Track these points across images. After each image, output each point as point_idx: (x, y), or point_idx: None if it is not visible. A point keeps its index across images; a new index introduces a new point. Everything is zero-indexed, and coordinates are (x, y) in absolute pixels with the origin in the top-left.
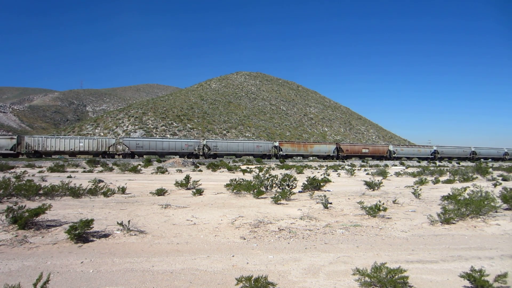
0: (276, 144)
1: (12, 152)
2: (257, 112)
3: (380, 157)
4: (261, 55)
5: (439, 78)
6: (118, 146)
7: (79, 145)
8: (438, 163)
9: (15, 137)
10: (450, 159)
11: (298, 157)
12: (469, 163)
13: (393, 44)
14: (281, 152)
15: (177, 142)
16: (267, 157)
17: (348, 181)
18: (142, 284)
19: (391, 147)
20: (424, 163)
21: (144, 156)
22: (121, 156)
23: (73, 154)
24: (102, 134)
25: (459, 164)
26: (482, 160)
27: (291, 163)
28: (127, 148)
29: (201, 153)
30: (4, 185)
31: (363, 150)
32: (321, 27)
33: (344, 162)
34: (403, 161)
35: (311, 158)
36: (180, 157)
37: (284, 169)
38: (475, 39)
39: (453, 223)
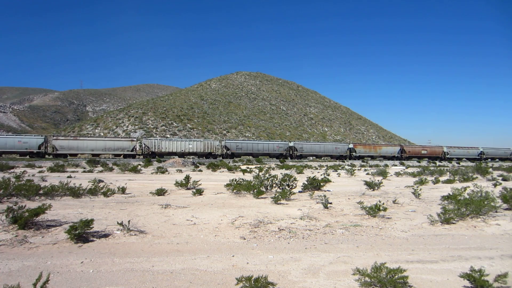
0: (351, 146)
1: (132, 153)
2: (257, 112)
3: (436, 158)
4: (261, 55)
5: (439, 78)
6: (218, 147)
7: (189, 146)
8: (483, 163)
9: (135, 139)
10: (492, 159)
11: (369, 158)
12: (509, 163)
13: (393, 44)
14: (354, 153)
15: (270, 144)
16: (343, 157)
17: (348, 181)
18: (142, 284)
19: (445, 149)
20: (474, 163)
21: (242, 156)
22: (221, 156)
23: (182, 155)
24: (102, 134)
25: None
26: None
27: (291, 163)
28: (226, 149)
29: (288, 154)
30: (4, 185)
31: (422, 152)
32: (321, 27)
33: (406, 161)
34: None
35: (379, 158)
36: (270, 157)
37: (284, 169)
38: (475, 39)
39: (453, 223)
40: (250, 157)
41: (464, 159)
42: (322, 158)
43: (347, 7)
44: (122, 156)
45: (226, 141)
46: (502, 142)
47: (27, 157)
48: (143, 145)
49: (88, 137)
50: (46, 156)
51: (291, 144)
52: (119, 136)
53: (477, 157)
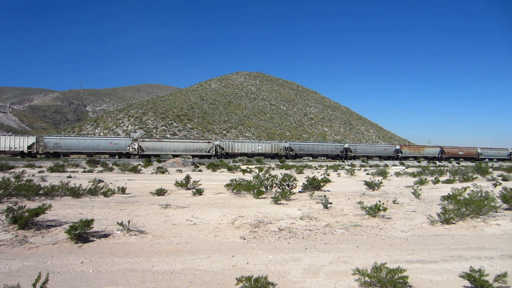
0: (398, 147)
1: (209, 154)
2: (257, 112)
3: (471, 159)
4: (261, 55)
5: (439, 78)
6: (284, 149)
7: (258, 148)
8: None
9: (211, 141)
10: None
11: (412, 158)
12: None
13: (393, 44)
14: (400, 154)
15: (328, 145)
16: (391, 158)
17: (348, 181)
18: (142, 284)
19: (479, 150)
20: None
21: (304, 157)
22: (285, 157)
23: (252, 155)
24: (102, 134)
25: None
26: None
27: (291, 163)
28: (290, 150)
29: (343, 155)
30: (4, 185)
31: (459, 153)
32: (321, 27)
33: (445, 162)
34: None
35: (421, 158)
36: (327, 158)
37: (284, 169)
38: (475, 39)
39: (453, 223)
40: (310, 157)
41: (495, 159)
42: (373, 158)
43: (347, 7)
44: (199, 156)
45: (290, 142)
46: (501, 142)
47: (116, 157)
48: (218, 147)
49: (171, 139)
50: (132, 156)
51: (346, 145)
52: (196, 139)
53: (507, 157)
